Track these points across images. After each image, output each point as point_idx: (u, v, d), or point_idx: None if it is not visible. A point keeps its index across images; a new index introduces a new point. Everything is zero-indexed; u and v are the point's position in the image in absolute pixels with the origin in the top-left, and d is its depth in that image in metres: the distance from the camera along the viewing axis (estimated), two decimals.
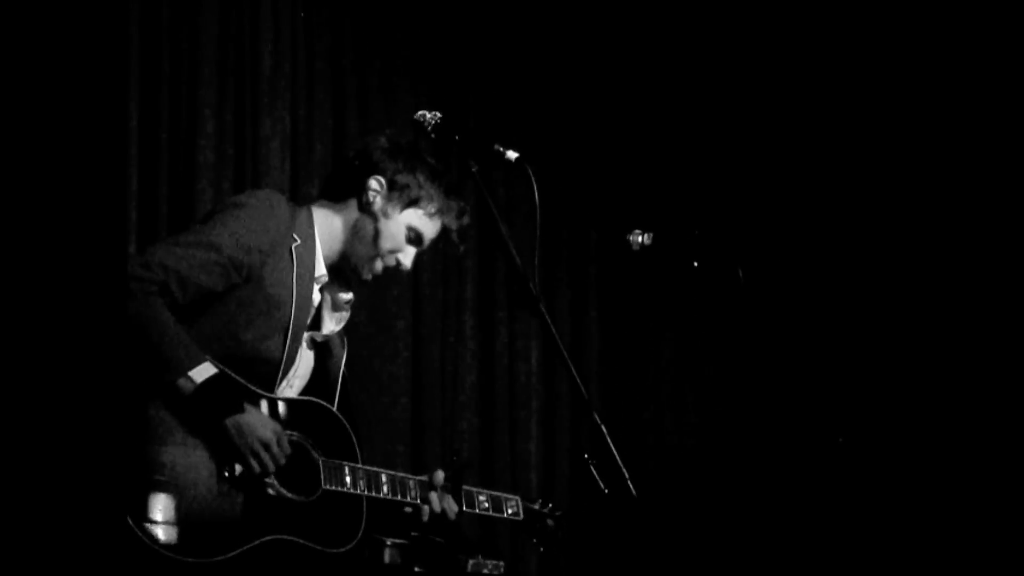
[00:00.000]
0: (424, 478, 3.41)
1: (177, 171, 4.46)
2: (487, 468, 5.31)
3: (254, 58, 4.69)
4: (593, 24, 5.78)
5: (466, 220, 3.43)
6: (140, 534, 2.80)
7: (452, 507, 3.40)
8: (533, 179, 2.95)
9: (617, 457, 2.74)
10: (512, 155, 2.98)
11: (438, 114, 3.04)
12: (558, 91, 5.79)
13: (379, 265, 3.34)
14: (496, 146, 2.99)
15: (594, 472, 2.81)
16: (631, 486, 2.71)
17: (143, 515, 2.82)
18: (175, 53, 4.47)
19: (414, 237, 3.35)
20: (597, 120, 5.92)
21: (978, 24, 5.46)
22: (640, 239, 3.59)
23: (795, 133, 6.04)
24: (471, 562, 3.81)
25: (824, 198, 6.01)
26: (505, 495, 3.63)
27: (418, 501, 3.36)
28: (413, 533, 3.56)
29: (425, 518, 3.37)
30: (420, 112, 3.06)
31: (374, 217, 3.31)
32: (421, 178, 3.34)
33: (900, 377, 5.76)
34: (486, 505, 3.53)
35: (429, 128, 3.03)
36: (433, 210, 3.35)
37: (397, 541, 3.58)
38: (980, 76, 5.60)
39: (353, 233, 3.31)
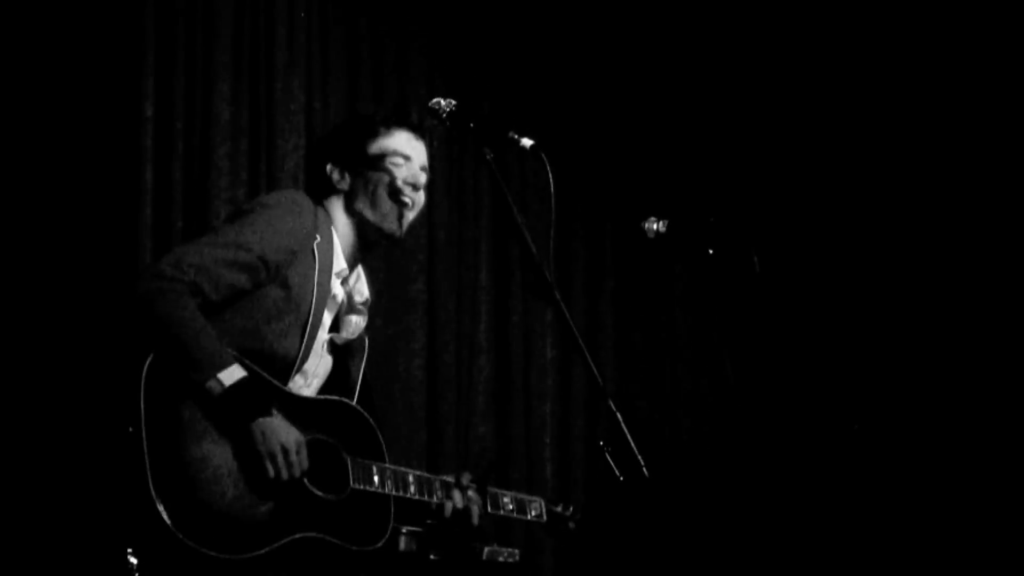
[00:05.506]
0: (450, 478, 3.44)
1: (192, 159, 4.46)
2: (503, 456, 5.30)
3: (268, 44, 4.69)
4: (608, 11, 5.77)
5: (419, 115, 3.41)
6: (173, 529, 2.81)
7: (476, 508, 3.43)
8: (548, 167, 2.95)
9: (632, 444, 2.74)
10: (527, 142, 2.97)
11: (453, 101, 3.05)
12: (574, 77, 5.78)
13: (396, 211, 3.33)
14: (511, 133, 2.98)
15: (609, 459, 2.80)
16: (646, 472, 2.71)
17: (175, 511, 2.83)
18: (190, 41, 4.47)
19: (393, 160, 3.34)
20: (612, 107, 5.91)
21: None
22: (655, 226, 3.59)
23: (809, 121, 6.02)
24: (486, 550, 3.82)
25: (839, 183, 6.00)
26: (528, 497, 3.66)
27: (443, 501, 3.40)
28: (429, 521, 3.57)
29: (448, 514, 3.39)
30: (435, 99, 3.07)
31: (356, 187, 3.33)
32: (353, 132, 3.38)
33: (915, 364, 5.74)
34: (510, 507, 3.58)
35: (444, 115, 3.03)
36: (382, 136, 3.36)
37: (412, 529, 3.59)
38: (994, 55, 5.58)
39: (357, 213, 3.33)
